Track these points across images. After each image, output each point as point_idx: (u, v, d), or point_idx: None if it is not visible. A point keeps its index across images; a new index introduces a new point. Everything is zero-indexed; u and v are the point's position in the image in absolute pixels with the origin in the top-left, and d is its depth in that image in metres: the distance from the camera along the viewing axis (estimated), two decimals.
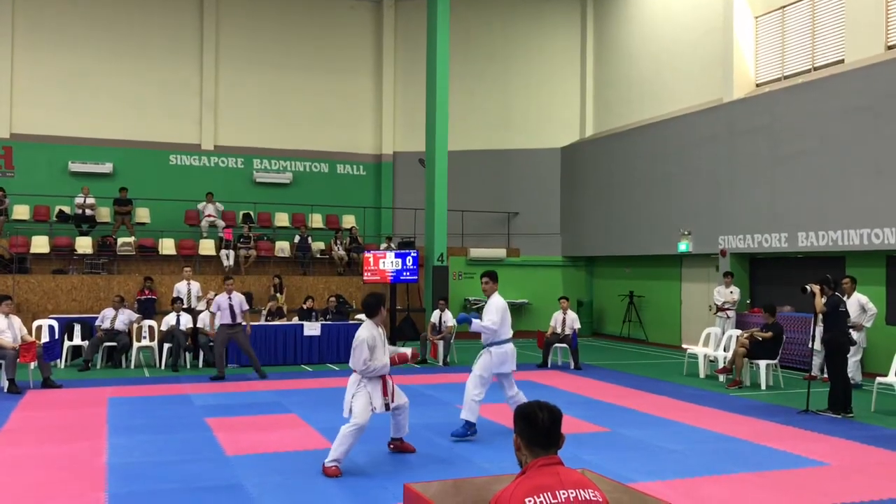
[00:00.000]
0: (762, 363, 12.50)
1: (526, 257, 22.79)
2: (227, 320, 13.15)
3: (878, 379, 10.68)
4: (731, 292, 15.49)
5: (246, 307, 13.49)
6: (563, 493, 2.87)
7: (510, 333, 8.79)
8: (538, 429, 3.01)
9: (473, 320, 8.64)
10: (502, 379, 8.84)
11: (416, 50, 22.64)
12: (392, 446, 7.91)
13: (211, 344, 14.65)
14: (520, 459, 3.08)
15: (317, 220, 22.46)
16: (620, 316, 20.77)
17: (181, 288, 16.23)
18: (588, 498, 2.91)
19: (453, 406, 10.54)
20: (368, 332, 7.26)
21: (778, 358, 12.70)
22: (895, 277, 13.90)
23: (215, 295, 16.13)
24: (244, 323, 13.43)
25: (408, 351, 7.77)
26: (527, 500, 2.83)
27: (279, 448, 8.07)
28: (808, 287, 10.50)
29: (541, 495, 2.85)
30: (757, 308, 15.49)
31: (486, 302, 8.85)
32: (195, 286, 16.45)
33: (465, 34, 23.26)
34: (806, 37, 16.17)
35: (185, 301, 15.71)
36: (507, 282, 22.23)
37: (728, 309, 15.31)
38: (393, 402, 7.48)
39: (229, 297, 13.26)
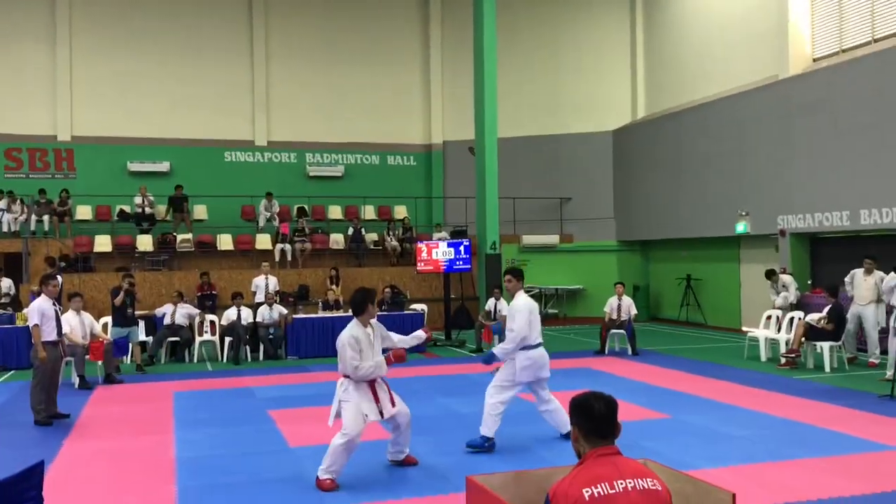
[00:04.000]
0: (825, 345, 12.22)
1: (579, 243, 22.63)
2: (53, 336, 9.28)
3: None
4: (784, 286, 14.96)
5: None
6: (622, 483, 2.87)
7: (539, 338, 7.74)
8: (594, 419, 3.02)
9: (495, 351, 7.54)
10: (536, 388, 7.84)
11: (464, 38, 22.56)
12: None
13: (271, 336, 14.90)
14: (577, 450, 3.09)
15: (369, 212, 22.66)
16: (678, 300, 20.50)
17: (259, 283, 16.55)
18: (647, 487, 2.91)
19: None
20: (350, 333, 6.52)
21: (842, 340, 12.42)
22: None
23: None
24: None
25: (420, 334, 7.08)
26: (584, 490, 2.83)
27: None
28: None
29: (599, 485, 2.85)
30: (818, 289, 15.16)
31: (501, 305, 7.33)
32: (273, 281, 16.72)
33: (512, 19, 23.10)
34: (865, 7, 15.66)
35: (262, 295, 16.01)
36: (561, 268, 22.15)
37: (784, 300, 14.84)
38: (392, 408, 6.72)
39: (55, 303, 9.52)
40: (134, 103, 21.88)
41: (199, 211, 21.30)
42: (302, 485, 6.59)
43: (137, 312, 13.98)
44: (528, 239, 22.14)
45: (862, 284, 12.76)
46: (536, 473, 3.69)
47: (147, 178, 21.33)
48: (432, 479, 6.69)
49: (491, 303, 15.94)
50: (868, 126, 14.59)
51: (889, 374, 10.56)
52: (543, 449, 7.65)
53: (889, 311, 11.76)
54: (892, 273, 11.29)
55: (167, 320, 14.60)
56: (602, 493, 2.83)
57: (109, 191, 20.79)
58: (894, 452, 7.34)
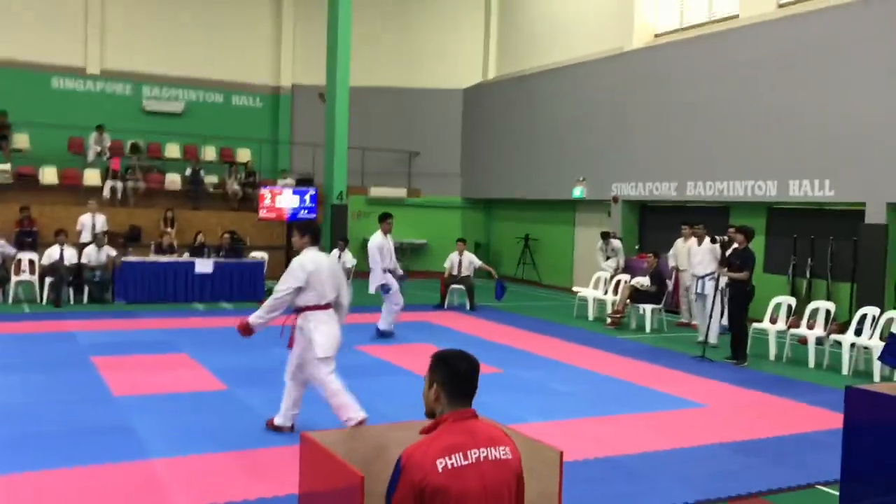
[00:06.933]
0: (648, 307, 13.02)
1: (427, 198, 22.77)
2: None
3: (754, 325, 11.30)
4: (614, 250, 15.87)
5: None
6: (475, 453, 2.82)
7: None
8: (459, 379, 2.93)
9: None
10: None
11: None
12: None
13: (97, 279, 14.06)
14: (431, 408, 2.96)
15: (210, 154, 21.68)
16: (516, 258, 21.15)
17: (85, 221, 15.47)
18: (498, 457, 2.87)
19: (353, 348, 10.55)
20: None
21: (662, 303, 13.28)
22: (774, 228, 14.65)
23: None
24: None
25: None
26: (438, 461, 2.74)
27: (170, 389, 7.88)
28: (727, 236, 10.90)
29: (452, 456, 2.77)
30: (643, 254, 16.06)
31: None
32: (101, 219, 15.63)
33: None
34: None
35: (89, 234, 14.98)
36: (407, 222, 22.22)
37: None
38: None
39: None
40: None
41: (21, 140, 19.56)
42: (126, 436, 6.29)
43: None
44: (376, 191, 22.02)
45: (681, 251, 13.67)
46: (372, 430, 3.70)
47: None
48: (262, 434, 6.57)
49: (335, 254, 15.78)
50: (699, 103, 15.48)
51: (701, 338, 11.39)
52: (383, 404, 7.68)
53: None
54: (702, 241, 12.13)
55: None
56: (455, 465, 2.76)
57: None
58: (703, 409, 7.97)
